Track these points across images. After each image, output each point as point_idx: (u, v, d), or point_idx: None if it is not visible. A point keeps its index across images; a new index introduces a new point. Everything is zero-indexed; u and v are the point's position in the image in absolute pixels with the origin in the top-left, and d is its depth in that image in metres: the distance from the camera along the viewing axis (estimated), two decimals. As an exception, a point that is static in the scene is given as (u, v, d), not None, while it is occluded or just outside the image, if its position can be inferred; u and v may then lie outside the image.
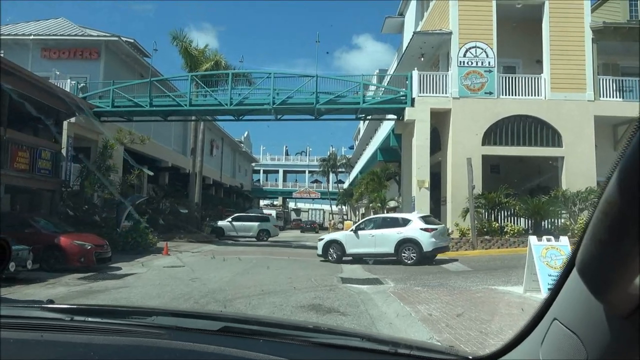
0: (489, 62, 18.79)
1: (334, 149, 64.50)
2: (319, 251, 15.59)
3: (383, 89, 21.82)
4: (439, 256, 15.83)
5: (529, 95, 18.80)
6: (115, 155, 23.39)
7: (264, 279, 10.86)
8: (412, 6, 25.82)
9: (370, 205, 29.06)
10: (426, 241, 13.81)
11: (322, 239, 16.13)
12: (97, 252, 11.78)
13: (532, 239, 8.09)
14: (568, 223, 16.60)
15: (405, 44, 23.43)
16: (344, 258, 14.98)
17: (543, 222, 17.35)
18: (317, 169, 65.18)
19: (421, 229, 13.98)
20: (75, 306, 1.91)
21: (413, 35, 19.99)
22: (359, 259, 15.04)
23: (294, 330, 1.46)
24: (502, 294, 8.21)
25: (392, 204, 26.45)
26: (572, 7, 18.82)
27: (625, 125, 18.09)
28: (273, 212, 54.85)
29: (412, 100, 18.83)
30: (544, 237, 8.13)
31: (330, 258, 15.14)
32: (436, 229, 14.29)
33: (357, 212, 50.10)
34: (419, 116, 18.61)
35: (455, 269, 12.99)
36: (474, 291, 8.94)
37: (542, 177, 20.43)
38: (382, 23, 29.25)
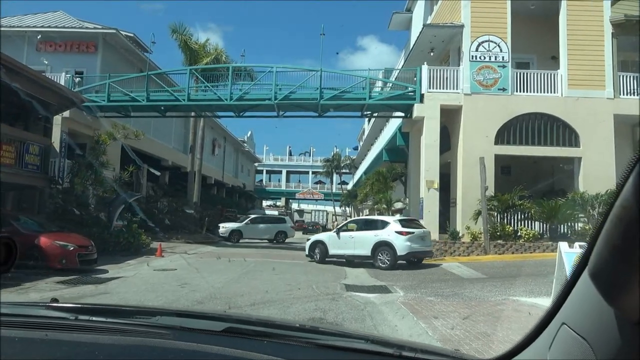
0: (503, 57, 17.82)
1: (337, 149, 63.55)
2: (306, 251, 15.82)
3: (390, 86, 20.83)
4: (444, 260, 14.95)
5: (544, 92, 17.81)
6: (112, 152, 22.66)
7: (261, 285, 9.93)
8: (421, 1, 24.87)
9: (375, 206, 28.08)
10: (400, 245, 13.28)
11: (309, 239, 16.43)
12: (81, 254, 10.87)
13: (563, 245, 7.12)
14: (587, 227, 15.59)
15: (412, 41, 22.49)
16: (326, 259, 14.96)
17: (560, 226, 16.33)
18: (320, 170, 64.20)
19: (396, 231, 13.51)
20: (79, 305, 1.82)
21: (423, 28, 19.03)
22: (360, 262, 14.28)
23: (298, 332, 1.45)
24: (528, 306, 7.24)
25: (398, 205, 25.47)
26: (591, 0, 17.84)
27: (646, 125, 17.11)
28: (275, 213, 54.05)
29: (422, 96, 17.88)
30: (576, 244, 7.17)
31: (314, 258, 15.27)
32: (413, 232, 13.62)
33: (361, 214, 49.07)
34: (428, 113, 17.66)
35: (468, 275, 12.01)
36: (494, 303, 7.98)
37: (556, 179, 19.47)
38: (389, 19, 28.32)
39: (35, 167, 15.06)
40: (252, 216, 30.00)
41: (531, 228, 16.51)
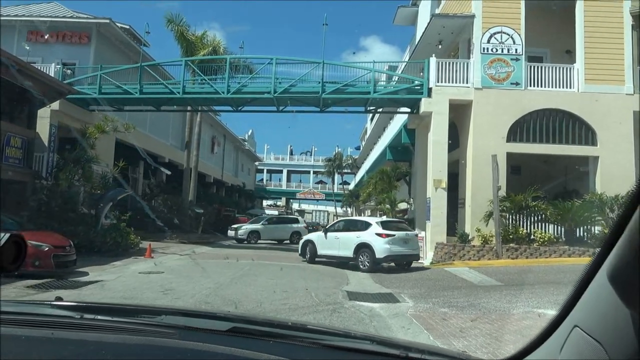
0: (516, 49, 16.82)
1: (339, 149, 62.56)
2: (299, 250, 15.99)
3: (395, 80, 19.85)
4: (453, 265, 13.97)
5: (559, 87, 16.79)
6: (105, 147, 21.70)
7: (254, 292, 8.94)
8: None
9: (378, 207, 27.08)
10: (379, 247, 12.86)
11: (302, 239, 16.46)
12: (57, 255, 9.87)
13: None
14: (606, 231, 14.55)
15: (418, 36, 21.48)
16: (316, 259, 14.88)
17: (577, 230, 15.29)
18: (322, 170, 63.22)
19: (376, 233, 13.10)
20: (84, 304, 1.75)
21: (431, 19, 18.02)
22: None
23: (303, 332, 1.44)
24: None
25: (402, 205, 24.48)
26: (610, -10, 16.84)
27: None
28: (275, 213, 53.07)
29: (429, 90, 16.87)
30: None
31: (306, 258, 15.30)
32: (393, 235, 13.07)
33: (362, 215, 48.07)
34: (436, 108, 16.65)
35: (481, 282, 11.01)
36: (518, 317, 6.98)
37: (569, 180, 18.47)
38: (393, 14, 27.31)
39: (17, 160, 14.13)
40: (268, 216, 29.22)
41: (545, 231, 15.47)
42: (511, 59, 16.81)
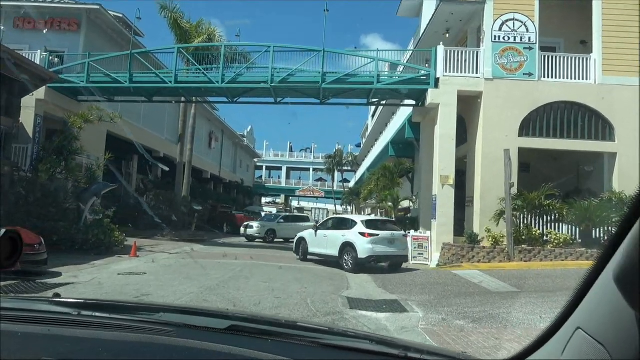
0: (530, 38, 15.77)
1: (340, 146, 61.49)
2: (294, 248, 16.01)
3: (401, 69, 18.80)
4: (461, 267, 12.97)
5: (575, 78, 15.75)
6: (96, 139, 20.70)
7: (242, 298, 7.92)
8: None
9: (379, 205, 26.06)
10: (361, 247, 12.49)
11: (296, 236, 16.22)
12: (26, 254, 8.85)
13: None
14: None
15: (423, 27, 20.42)
16: (308, 257, 14.77)
17: (594, 231, 14.25)
18: (322, 167, 62.18)
19: (359, 232, 12.73)
20: (82, 301, 1.71)
21: (439, 4, 16.92)
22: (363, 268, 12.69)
23: (302, 331, 1.42)
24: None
25: (405, 204, 23.48)
26: (630, -25, 15.76)
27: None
28: (274, 211, 52.04)
29: (436, 80, 15.83)
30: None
31: (299, 255, 15.24)
32: (377, 234, 12.64)
33: (362, 213, 47.04)
34: (443, 99, 15.62)
35: (495, 287, 9.98)
36: (549, 333, 5.93)
37: (581, 178, 17.45)
38: (396, 7, 26.20)
39: (-8, 151, 13.07)
40: (283, 215, 28.70)
41: (560, 232, 14.44)
42: (524, 48, 15.76)
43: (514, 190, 14.35)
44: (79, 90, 19.24)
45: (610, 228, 14.40)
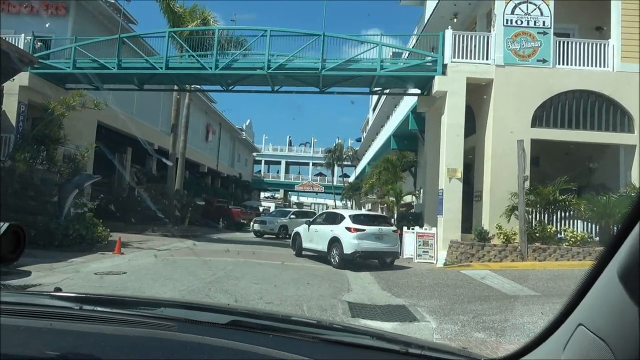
0: (544, 22, 14.75)
1: (340, 140, 60.44)
2: (291, 243, 15.79)
3: (406, 55, 17.79)
4: (471, 267, 12.04)
5: (592, 65, 14.74)
6: (85, 129, 19.73)
7: (230, 303, 6.94)
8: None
9: (381, 199, 25.09)
10: (347, 242, 12.19)
11: (293, 231, 16.05)
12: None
13: None
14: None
15: (428, 13, 19.39)
16: (303, 253, 14.52)
17: (612, 228, 13.29)
18: (321, 161, 61.18)
19: (345, 227, 12.43)
20: (83, 295, 1.74)
21: (447, -14, 15.90)
22: (364, 265, 12.25)
23: (304, 327, 1.45)
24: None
25: (407, 199, 22.52)
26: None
27: None
28: (272, 205, 51.20)
29: (444, 67, 14.83)
30: None
31: (294, 250, 15.06)
32: (363, 230, 12.28)
33: (363, 208, 46.12)
34: (451, 87, 14.62)
35: (512, 290, 9.03)
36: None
37: (594, 173, 16.47)
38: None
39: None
40: (294, 211, 28.33)
41: (575, 229, 13.49)
42: (538, 33, 14.75)
43: (527, 184, 13.40)
44: (67, 77, 18.25)
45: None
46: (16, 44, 17.19)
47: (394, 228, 13.40)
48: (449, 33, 14.89)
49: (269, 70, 15.78)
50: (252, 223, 25.89)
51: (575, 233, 12.94)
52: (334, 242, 12.59)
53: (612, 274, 0.76)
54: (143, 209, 20.87)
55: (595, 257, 0.85)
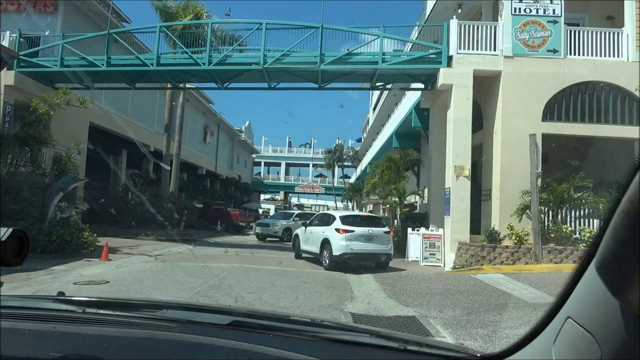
0: (554, 10, 13.98)
1: (340, 141, 59.69)
2: (292, 245, 15.81)
3: (409, 47, 17.00)
4: (482, 270, 11.24)
5: (605, 55, 13.97)
6: (76, 130, 19.00)
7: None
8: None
9: (384, 200, 24.28)
10: (335, 244, 12.06)
11: (294, 233, 16.15)
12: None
13: None
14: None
15: (430, 6, 18.62)
16: (302, 255, 14.31)
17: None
18: (321, 162, 60.41)
19: (335, 229, 12.32)
20: (86, 299, 1.76)
21: (451, -26, 15.13)
22: (368, 268, 11.92)
23: (303, 326, 1.48)
24: None
25: (411, 199, 21.72)
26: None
27: None
28: (272, 207, 50.43)
29: (449, 58, 14.06)
30: None
31: (294, 252, 14.97)
32: (352, 231, 12.15)
33: (364, 210, 45.34)
34: (457, 80, 13.84)
35: (530, 297, 8.23)
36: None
37: (607, 168, 15.66)
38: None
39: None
40: (297, 213, 27.56)
41: (593, 228, 12.70)
42: (548, 22, 13.97)
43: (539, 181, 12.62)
44: (55, 76, 17.50)
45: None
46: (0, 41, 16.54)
47: (385, 229, 13.03)
48: (454, 23, 14.13)
49: (265, 66, 15.01)
50: (254, 226, 25.11)
51: (593, 233, 12.14)
52: (325, 243, 12.45)
53: (594, 269, 0.79)
54: (137, 213, 20.08)
55: (581, 253, 1.06)
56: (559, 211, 12.89)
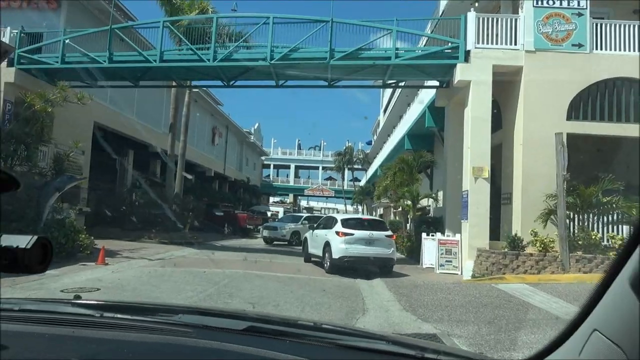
0: (579, 2, 13.14)
1: (350, 143, 58.93)
2: (302, 248, 15.62)
3: (424, 41, 16.22)
4: (504, 279, 10.42)
5: (634, 50, 13.07)
6: (79, 130, 18.52)
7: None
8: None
9: (395, 203, 23.48)
10: (335, 247, 11.99)
11: (304, 236, 16.00)
12: None
13: None
14: None
15: (442, 5, 17.84)
16: (311, 259, 13.98)
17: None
18: (331, 165, 59.67)
19: (335, 232, 12.22)
20: (103, 302, 1.79)
21: (469, -36, 14.34)
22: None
23: (319, 332, 1.45)
24: None
25: (424, 202, 20.87)
26: None
27: None
28: (281, 210, 49.69)
29: (467, 53, 13.25)
30: None
31: (304, 255, 14.78)
32: (352, 234, 12.02)
33: (374, 213, 44.50)
34: (476, 76, 13.03)
35: (564, 312, 7.37)
36: None
37: (634, 172, 14.72)
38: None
39: None
40: (305, 215, 26.70)
41: (623, 235, 11.80)
42: (572, 14, 13.13)
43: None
44: (57, 74, 16.95)
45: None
46: (1, 38, 16.06)
47: (387, 233, 12.80)
48: (471, 15, 13.33)
49: (272, 61, 14.32)
50: (261, 229, 24.37)
51: (625, 240, 11.25)
52: (327, 246, 12.38)
53: (624, 281, 0.77)
54: (140, 215, 19.49)
55: (608, 264, 0.87)
56: (587, 216, 12.00)
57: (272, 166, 67.26)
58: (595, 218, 12.19)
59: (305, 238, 15.20)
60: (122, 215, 19.70)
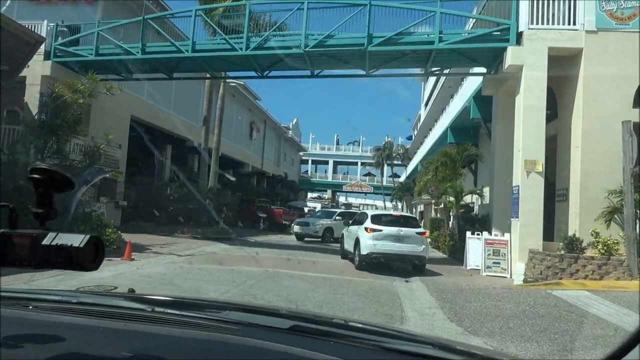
0: (649, -25, 11.69)
1: (389, 138, 57.57)
2: (340, 246, 15.36)
3: (472, 24, 15.06)
4: (561, 285, 9.28)
5: None
6: (116, 124, 18.51)
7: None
8: None
9: (436, 200, 22.31)
10: (363, 242, 11.89)
11: (341, 232, 15.68)
12: None
13: None
14: None
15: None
16: (349, 256, 13.55)
17: None
18: (370, 161, 58.53)
19: (365, 228, 12.13)
20: (154, 297, 1.75)
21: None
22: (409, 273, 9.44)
23: (364, 334, 1.39)
24: None
25: (467, 199, 19.68)
26: None
27: None
28: (318, 206, 49.11)
29: (519, 35, 12.07)
30: None
31: (340, 252, 14.68)
32: (380, 230, 11.89)
33: (414, 210, 43.17)
34: (529, 60, 11.84)
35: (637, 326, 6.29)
36: None
37: None
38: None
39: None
40: (339, 211, 25.94)
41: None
42: (641, -11, 11.70)
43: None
44: (91, 66, 16.86)
45: None
46: (38, 31, 16.04)
47: (419, 230, 12.63)
48: (525, -7, 12.12)
49: (307, 49, 13.59)
50: (292, 225, 23.73)
51: None
52: (357, 242, 12.25)
53: None
54: (175, 209, 19.25)
55: None
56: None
57: (310, 162, 66.79)
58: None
59: (342, 234, 15.01)
60: (157, 210, 19.52)
